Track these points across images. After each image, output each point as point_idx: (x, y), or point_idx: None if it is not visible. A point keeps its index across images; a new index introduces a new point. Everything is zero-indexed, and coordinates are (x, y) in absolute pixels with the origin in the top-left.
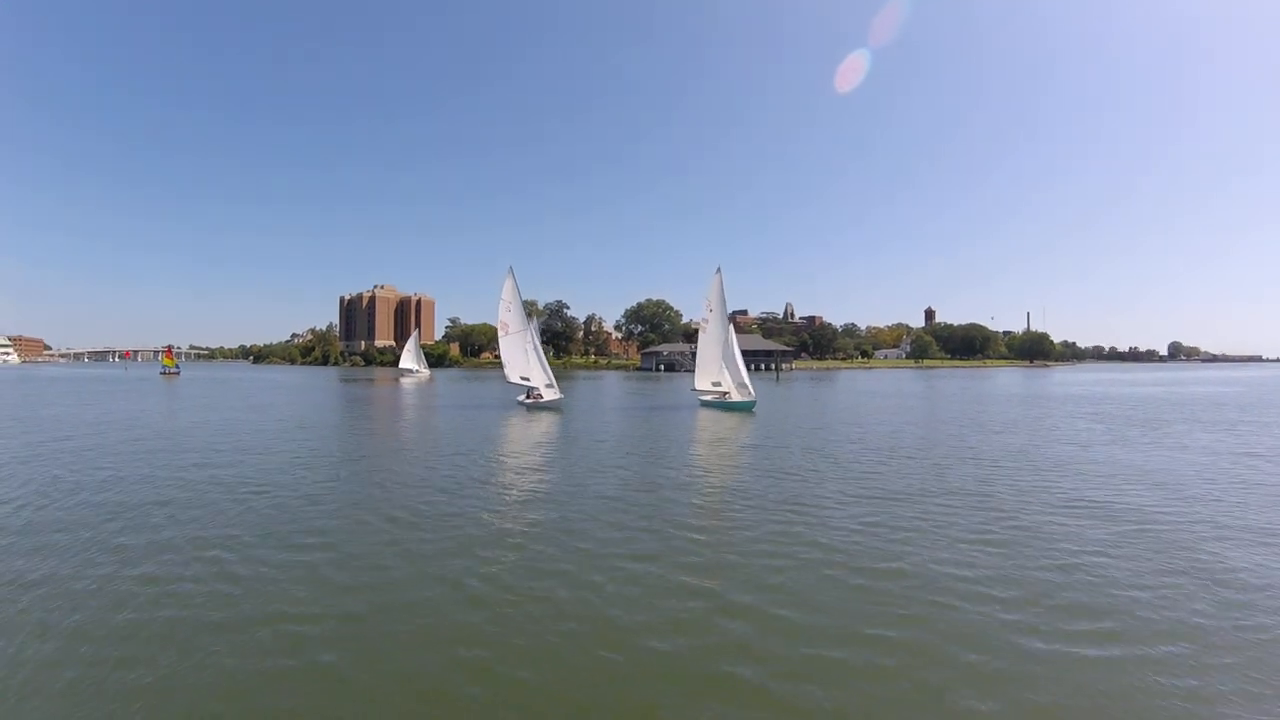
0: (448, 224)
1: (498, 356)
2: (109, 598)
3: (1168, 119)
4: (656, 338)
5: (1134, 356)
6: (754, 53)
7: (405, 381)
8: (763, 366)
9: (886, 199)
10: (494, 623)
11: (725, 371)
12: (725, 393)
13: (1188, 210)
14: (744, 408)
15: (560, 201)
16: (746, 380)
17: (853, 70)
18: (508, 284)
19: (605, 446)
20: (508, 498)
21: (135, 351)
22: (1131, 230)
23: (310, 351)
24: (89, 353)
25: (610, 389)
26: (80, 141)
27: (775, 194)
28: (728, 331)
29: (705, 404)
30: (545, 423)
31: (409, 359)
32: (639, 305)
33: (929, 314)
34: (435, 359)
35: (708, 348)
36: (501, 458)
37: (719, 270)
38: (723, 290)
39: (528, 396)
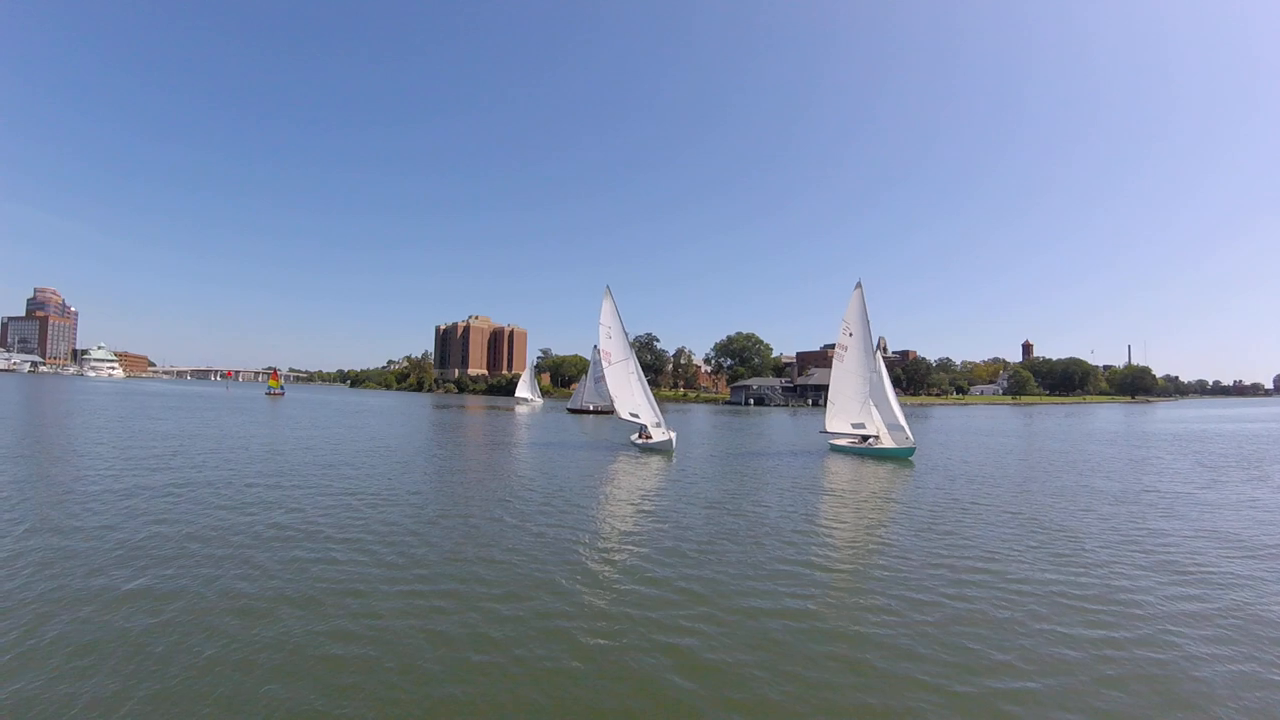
0: (542, 261)
1: None
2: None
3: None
4: (745, 371)
5: (1239, 390)
6: (863, 90)
7: (519, 409)
8: None
9: (991, 232)
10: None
11: (872, 410)
12: (869, 437)
13: None
14: (899, 455)
15: (648, 239)
16: (902, 421)
17: None
18: (606, 306)
19: (729, 508)
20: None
21: (236, 372)
22: (1237, 262)
23: (406, 378)
24: (191, 371)
25: (702, 423)
26: (201, 197)
27: (869, 228)
28: (875, 360)
29: (838, 449)
30: (654, 469)
31: (524, 389)
32: (728, 338)
33: (1027, 348)
34: None
35: (846, 380)
36: (599, 514)
37: (859, 285)
38: (865, 309)
39: (639, 436)
